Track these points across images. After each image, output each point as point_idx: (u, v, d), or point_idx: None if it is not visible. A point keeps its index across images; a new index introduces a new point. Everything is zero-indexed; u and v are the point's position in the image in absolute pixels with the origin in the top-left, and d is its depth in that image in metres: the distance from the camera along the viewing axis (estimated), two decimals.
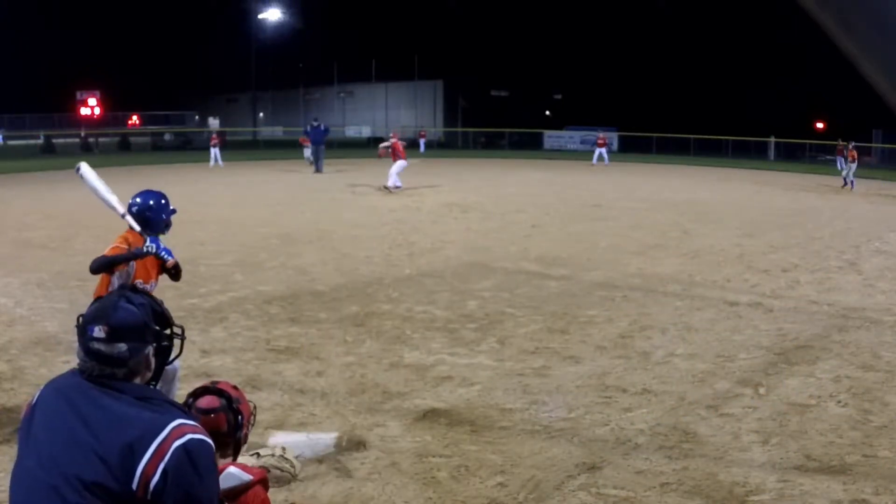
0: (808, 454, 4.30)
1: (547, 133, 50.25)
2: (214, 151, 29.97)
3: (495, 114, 54.07)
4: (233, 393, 2.79)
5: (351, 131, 58.78)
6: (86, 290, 8.26)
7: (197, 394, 2.81)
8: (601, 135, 35.03)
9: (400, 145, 20.02)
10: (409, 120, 57.20)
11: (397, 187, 19.47)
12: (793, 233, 13.29)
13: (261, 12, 51.01)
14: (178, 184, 22.33)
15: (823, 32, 1.59)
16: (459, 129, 54.37)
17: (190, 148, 44.38)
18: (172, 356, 2.12)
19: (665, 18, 51.21)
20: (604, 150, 33.41)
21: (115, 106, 52.45)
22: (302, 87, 67.61)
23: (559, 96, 64.57)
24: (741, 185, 24.33)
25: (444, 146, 50.98)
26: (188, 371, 5.60)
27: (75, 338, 2.11)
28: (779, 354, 6.20)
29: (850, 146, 24.50)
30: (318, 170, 25.77)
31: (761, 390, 5.35)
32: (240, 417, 2.79)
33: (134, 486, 1.82)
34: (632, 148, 43.66)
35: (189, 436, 1.89)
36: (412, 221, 14.16)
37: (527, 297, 8.16)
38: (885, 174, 30.12)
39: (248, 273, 9.30)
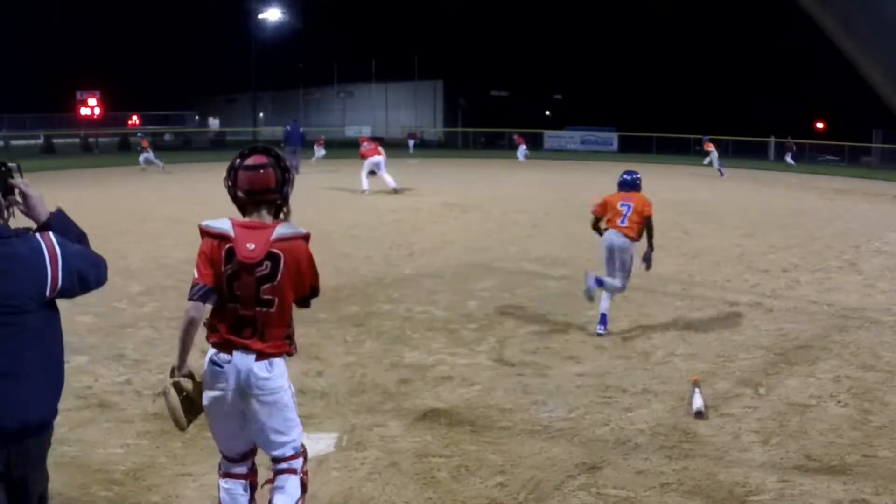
0: (808, 454, 4.30)
1: (547, 133, 50.22)
2: (145, 156, 27.36)
3: (495, 114, 54.06)
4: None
5: (351, 131, 58.73)
6: None
7: (244, 154, 3.13)
8: (517, 135, 37.35)
9: (365, 146, 19.61)
10: (409, 120, 57.23)
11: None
12: (793, 233, 13.29)
13: (261, 12, 50.98)
14: (178, 184, 22.35)
15: (823, 32, 1.59)
16: (459, 129, 54.36)
17: (190, 148, 44.35)
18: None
19: (665, 18, 51.22)
20: (524, 147, 35.12)
21: (115, 106, 52.42)
22: (302, 87, 67.61)
23: (559, 96, 64.56)
24: (741, 185, 24.33)
25: (444, 146, 50.99)
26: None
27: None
28: (779, 354, 6.20)
29: (705, 139, 29.14)
30: (296, 171, 25.43)
31: (761, 390, 5.35)
32: (287, 174, 3.10)
33: (47, 291, 2.52)
34: (632, 148, 43.66)
35: (50, 234, 2.50)
36: (412, 221, 14.16)
37: (527, 297, 8.16)
38: (885, 174, 30.12)
39: None
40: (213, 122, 66.00)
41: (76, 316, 7.18)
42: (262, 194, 3.05)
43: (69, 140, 42.74)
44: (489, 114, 54.30)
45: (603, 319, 6.71)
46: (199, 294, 3.01)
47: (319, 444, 4.36)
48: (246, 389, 3.00)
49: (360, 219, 14.50)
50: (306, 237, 3.05)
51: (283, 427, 3.07)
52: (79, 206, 15.92)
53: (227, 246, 2.97)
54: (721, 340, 6.60)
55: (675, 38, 51.12)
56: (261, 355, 3.02)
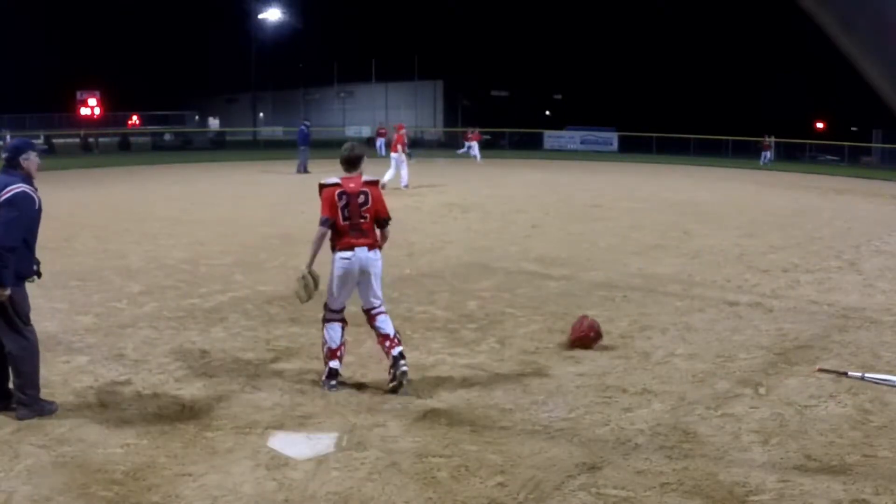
0: (808, 454, 4.30)
1: (547, 133, 50.23)
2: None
3: (495, 114, 54.04)
4: None
5: (351, 131, 58.74)
6: (85, 291, 8.27)
7: (344, 146, 5.48)
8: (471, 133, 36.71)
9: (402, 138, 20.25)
10: (410, 120, 57.18)
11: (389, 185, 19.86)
12: (793, 233, 13.29)
13: (261, 12, 51.00)
14: (179, 184, 22.35)
15: (823, 32, 1.59)
16: (459, 129, 54.33)
17: (190, 148, 44.36)
18: None
19: (665, 18, 51.20)
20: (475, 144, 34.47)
21: (115, 106, 52.41)
22: (302, 87, 67.59)
23: (559, 96, 64.51)
24: (741, 185, 24.34)
25: (444, 146, 50.97)
26: (188, 371, 5.62)
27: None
28: (779, 354, 6.20)
29: (472, 132, 35.18)
30: (305, 170, 25.73)
31: (761, 390, 5.35)
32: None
33: None
34: (632, 148, 43.66)
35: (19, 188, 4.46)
36: (412, 221, 14.16)
37: (527, 297, 8.16)
38: (885, 174, 30.12)
39: (248, 273, 9.30)
40: (213, 122, 65.99)
41: (76, 316, 7.19)
42: (353, 162, 5.35)
43: (69, 140, 42.72)
44: (489, 114, 54.28)
45: None
46: (325, 223, 5.18)
47: (319, 444, 4.36)
48: (365, 268, 5.20)
49: None
50: (377, 182, 5.44)
51: (378, 291, 5.34)
52: (79, 206, 15.96)
53: (339, 190, 5.19)
54: (721, 340, 6.60)
55: (675, 38, 51.10)
56: (370, 247, 5.23)
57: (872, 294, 8.50)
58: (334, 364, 5.29)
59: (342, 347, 5.35)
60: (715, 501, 3.76)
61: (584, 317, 6.55)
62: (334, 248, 5.22)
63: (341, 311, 5.35)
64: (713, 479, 3.99)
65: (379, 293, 5.33)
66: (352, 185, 5.22)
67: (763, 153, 36.13)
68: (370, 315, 5.35)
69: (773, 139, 37.34)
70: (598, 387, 5.39)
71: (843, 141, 39.07)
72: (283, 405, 4.97)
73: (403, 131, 20.83)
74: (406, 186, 19.70)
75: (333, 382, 5.26)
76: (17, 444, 4.31)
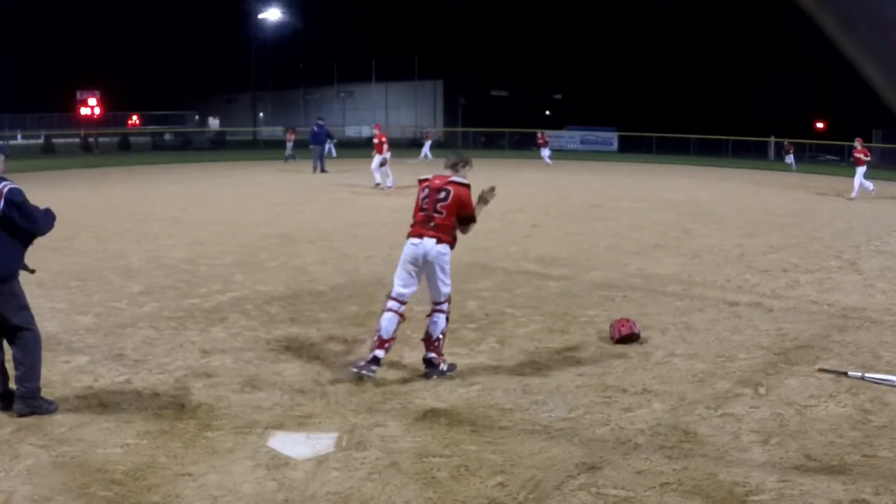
0: (808, 454, 4.30)
1: (547, 133, 50.21)
2: None
3: (495, 114, 54.04)
4: None
5: (351, 131, 58.75)
6: (85, 291, 8.27)
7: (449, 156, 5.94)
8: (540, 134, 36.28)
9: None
10: (410, 120, 57.22)
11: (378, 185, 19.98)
12: (793, 233, 13.29)
13: (261, 12, 50.98)
14: (178, 184, 22.35)
15: (823, 32, 1.59)
16: (459, 129, 54.36)
17: (190, 148, 44.35)
18: None
19: (665, 18, 51.20)
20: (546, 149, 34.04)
21: (115, 106, 52.40)
22: (302, 87, 67.60)
23: (559, 96, 64.52)
24: (741, 185, 24.34)
25: (443, 146, 50.96)
26: (188, 371, 5.61)
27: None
28: (779, 354, 6.20)
29: (428, 131, 39.69)
30: (323, 169, 25.93)
31: (761, 390, 5.35)
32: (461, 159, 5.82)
33: None
34: (632, 148, 43.66)
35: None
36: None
37: (527, 297, 8.16)
38: (885, 174, 30.11)
39: (248, 273, 9.30)
40: (213, 122, 66.00)
41: (76, 316, 7.18)
42: (451, 165, 5.71)
43: (69, 140, 42.71)
44: (489, 114, 54.28)
45: None
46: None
47: (319, 443, 4.36)
48: (429, 258, 5.44)
49: (362, 218, 14.51)
50: (468, 185, 5.59)
51: (442, 287, 5.56)
52: (79, 206, 15.95)
53: (425, 184, 5.63)
54: (721, 340, 6.60)
55: (675, 37, 51.10)
56: (439, 240, 5.46)
57: (872, 294, 8.49)
58: (380, 353, 5.45)
59: (391, 341, 5.51)
60: (715, 501, 3.76)
61: (620, 322, 6.58)
62: (408, 235, 5.58)
63: (400, 300, 5.54)
64: (713, 479, 3.99)
65: (442, 289, 5.56)
66: (437, 181, 5.58)
67: (787, 155, 35.63)
68: (431, 310, 5.66)
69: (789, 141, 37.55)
70: (598, 387, 5.39)
71: (843, 141, 39.04)
72: (283, 405, 4.97)
73: (378, 131, 20.72)
74: (379, 186, 19.84)
75: (374, 368, 5.40)
76: (17, 444, 4.31)
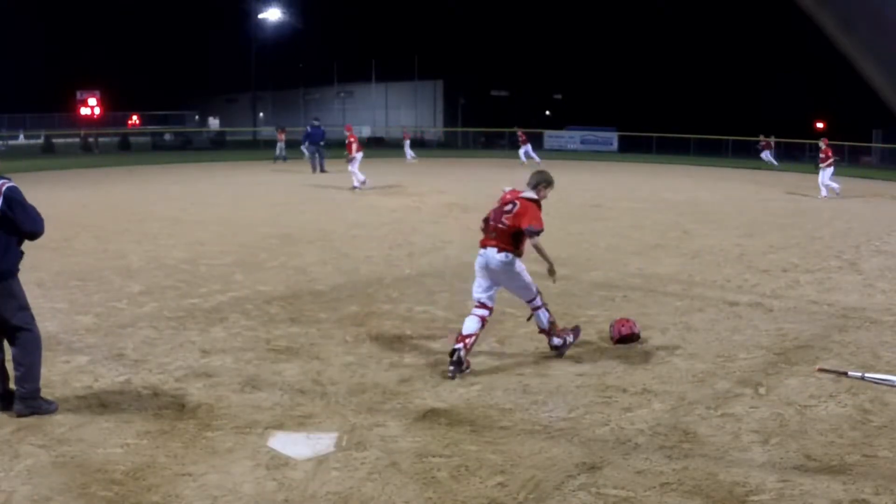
0: (808, 454, 4.30)
1: (547, 133, 50.21)
2: None
3: (495, 114, 54.03)
4: None
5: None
6: (85, 291, 8.27)
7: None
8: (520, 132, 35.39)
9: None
10: (409, 120, 57.19)
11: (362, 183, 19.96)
12: (793, 233, 13.29)
13: (261, 12, 50.99)
14: (178, 184, 22.35)
15: (823, 32, 1.59)
16: (459, 129, 54.36)
17: (190, 148, 44.35)
18: None
19: (665, 18, 51.21)
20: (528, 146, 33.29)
21: (115, 106, 52.43)
22: (302, 87, 67.58)
23: (559, 96, 64.50)
24: (741, 185, 24.32)
25: (443, 146, 51.00)
26: (188, 371, 5.62)
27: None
28: (779, 354, 6.20)
29: (405, 131, 38.56)
30: (323, 169, 25.96)
31: (761, 390, 5.35)
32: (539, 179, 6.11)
33: None
34: (632, 148, 43.63)
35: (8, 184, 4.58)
36: (412, 221, 14.16)
37: None
38: (885, 174, 30.11)
39: (248, 273, 9.30)
40: (213, 122, 65.99)
41: (76, 316, 7.19)
42: (532, 186, 5.96)
43: (69, 140, 42.72)
44: (489, 114, 54.27)
45: None
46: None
47: (319, 444, 4.36)
48: (492, 266, 5.80)
49: (361, 219, 14.50)
50: (536, 201, 5.87)
51: (520, 291, 6.00)
52: (79, 206, 15.95)
53: (501, 196, 5.95)
54: (721, 340, 6.60)
55: (675, 37, 51.10)
56: (500, 249, 5.75)
57: (872, 294, 8.49)
58: (457, 345, 5.66)
59: (470, 338, 5.70)
60: (715, 501, 3.76)
61: (620, 322, 6.62)
62: (480, 243, 5.99)
63: (479, 304, 5.87)
64: (713, 479, 3.99)
65: (523, 293, 5.99)
66: (509, 195, 5.92)
67: (764, 152, 34.46)
68: (530, 310, 6.08)
69: (772, 139, 36.78)
70: (598, 387, 5.39)
71: (843, 141, 39.05)
72: (283, 405, 4.97)
73: (349, 132, 21.02)
74: (358, 187, 19.77)
75: (454, 359, 5.61)
76: (17, 444, 4.31)
